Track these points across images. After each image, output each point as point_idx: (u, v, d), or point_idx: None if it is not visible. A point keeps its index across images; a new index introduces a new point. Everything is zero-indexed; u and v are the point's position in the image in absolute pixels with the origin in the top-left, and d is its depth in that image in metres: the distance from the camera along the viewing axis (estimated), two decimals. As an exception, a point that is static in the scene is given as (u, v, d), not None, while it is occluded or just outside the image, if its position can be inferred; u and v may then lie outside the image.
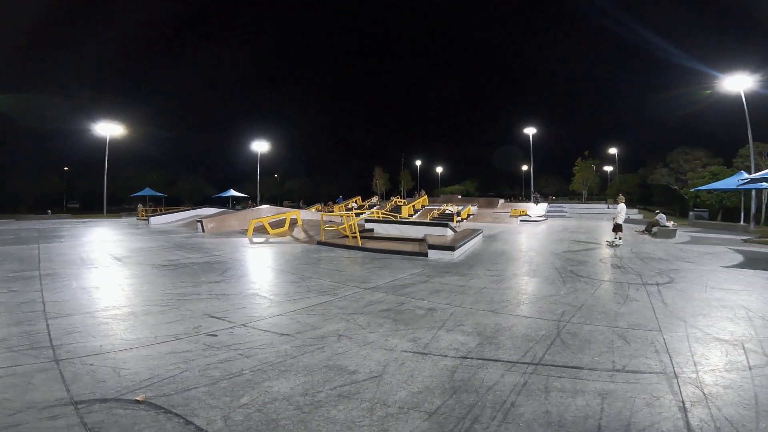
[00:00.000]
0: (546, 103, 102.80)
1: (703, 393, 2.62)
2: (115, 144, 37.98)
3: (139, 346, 3.44)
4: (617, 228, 11.80)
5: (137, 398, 2.49)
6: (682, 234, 15.44)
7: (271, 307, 4.89)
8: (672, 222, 15.92)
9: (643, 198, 47.34)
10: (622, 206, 12.18)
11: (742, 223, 19.75)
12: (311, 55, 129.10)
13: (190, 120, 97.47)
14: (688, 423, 2.26)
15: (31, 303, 4.85)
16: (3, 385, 2.66)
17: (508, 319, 4.38)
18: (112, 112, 41.17)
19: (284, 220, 16.45)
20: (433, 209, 30.69)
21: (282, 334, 3.81)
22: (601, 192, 55.45)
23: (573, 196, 60.06)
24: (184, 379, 2.79)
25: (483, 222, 24.55)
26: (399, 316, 4.49)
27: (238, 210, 27.74)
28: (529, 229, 18.65)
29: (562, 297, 5.38)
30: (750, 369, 3.01)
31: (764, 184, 13.73)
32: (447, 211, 28.90)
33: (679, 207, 40.06)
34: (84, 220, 26.83)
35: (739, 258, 9.22)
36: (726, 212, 31.70)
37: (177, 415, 2.32)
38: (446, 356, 3.27)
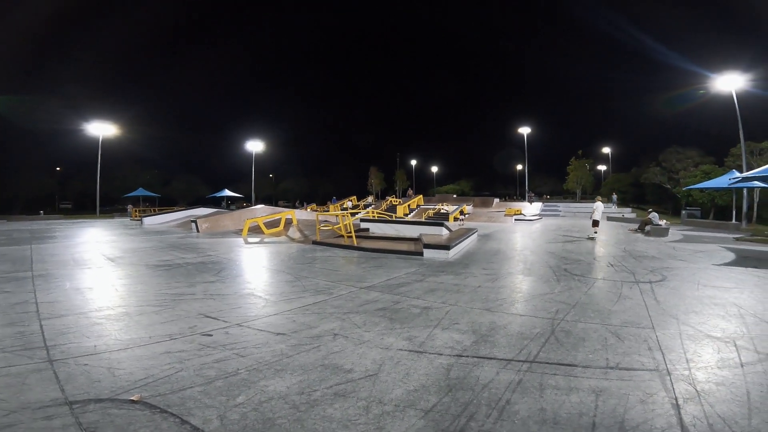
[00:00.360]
0: (540, 103, 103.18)
1: (696, 390, 2.65)
2: (108, 144, 37.76)
3: (133, 346, 3.42)
4: (595, 223, 14.08)
5: (132, 398, 2.48)
6: (675, 232, 15.58)
7: (266, 306, 4.88)
8: (665, 221, 16.11)
9: (636, 197, 47.71)
10: (598, 204, 14.62)
11: (733, 221, 19.96)
12: (307, 55, 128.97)
13: (185, 120, 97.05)
14: (681, 420, 2.28)
15: (24, 304, 4.81)
16: (-4, 386, 2.64)
17: (503, 317, 4.40)
18: (105, 111, 40.90)
19: (279, 219, 16.42)
20: (429, 209, 30.74)
21: (277, 334, 3.81)
22: (595, 191, 55.75)
23: (567, 196, 60.38)
24: (180, 379, 2.78)
25: (478, 221, 24.62)
26: (394, 315, 4.50)
27: (232, 210, 27.64)
28: (524, 228, 18.74)
29: (557, 295, 5.42)
30: (742, 366, 3.05)
31: (756, 182, 13.87)
32: (442, 211, 28.96)
33: (672, 206, 40.47)
34: (77, 220, 26.63)
35: (731, 256, 9.31)
36: (718, 211, 32.07)
37: (173, 414, 2.31)
38: (442, 354, 3.29)
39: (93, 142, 35.65)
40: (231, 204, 47.07)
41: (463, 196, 53.02)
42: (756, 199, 30.23)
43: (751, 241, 13.14)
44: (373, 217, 18.21)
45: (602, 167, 58.48)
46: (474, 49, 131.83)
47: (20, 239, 12.94)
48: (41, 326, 3.94)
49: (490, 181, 75.94)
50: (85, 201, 49.21)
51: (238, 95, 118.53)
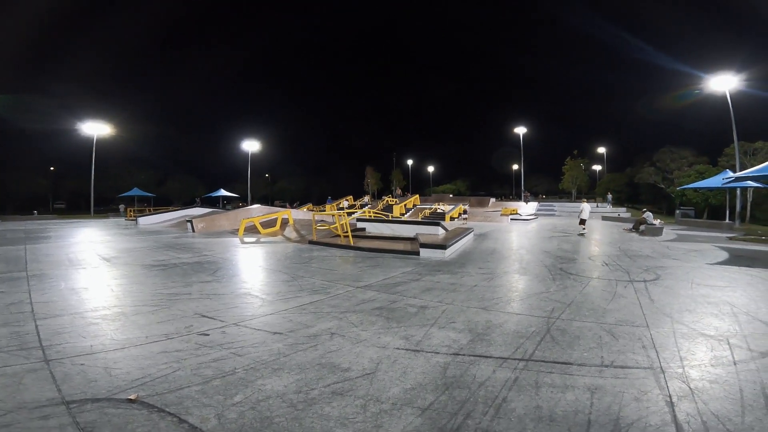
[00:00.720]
0: (536, 103, 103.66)
1: (690, 388, 2.67)
2: (103, 143, 37.53)
3: (129, 346, 3.41)
4: (582, 222, 15.82)
5: (130, 397, 2.48)
6: (669, 232, 15.68)
7: (263, 306, 4.88)
8: (659, 220, 16.19)
9: (630, 197, 48.01)
10: (584, 205, 16.57)
11: (727, 220, 20.11)
12: (304, 54, 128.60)
13: (180, 119, 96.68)
14: (675, 417, 2.30)
15: (19, 304, 4.78)
16: (-8, 386, 2.63)
17: (499, 316, 4.42)
18: (99, 111, 40.52)
19: (275, 219, 16.39)
20: (425, 208, 30.78)
21: (274, 333, 3.81)
22: (590, 191, 56.06)
23: (563, 195, 60.63)
24: (177, 378, 2.78)
25: (474, 221, 24.68)
26: (391, 314, 4.51)
27: (228, 210, 27.55)
28: (520, 228, 18.80)
29: (552, 294, 5.45)
30: (735, 364, 3.08)
31: (749, 182, 14.00)
32: (438, 210, 29.02)
33: (666, 205, 40.76)
34: (71, 220, 26.46)
35: (724, 255, 9.39)
36: (711, 210, 32.31)
37: (170, 413, 2.31)
38: (438, 353, 3.30)
39: (87, 142, 35.50)
40: (227, 204, 46.83)
41: (459, 195, 53.13)
42: (749, 199, 30.52)
43: (744, 240, 13.26)
44: (370, 216, 18.21)
45: (597, 167, 58.75)
46: (471, 49, 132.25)
47: (14, 239, 12.85)
48: (36, 326, 3.92)
49: (487, 180, 76.39)
50: (79, 201, 48.97)
51: (235, 95, 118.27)
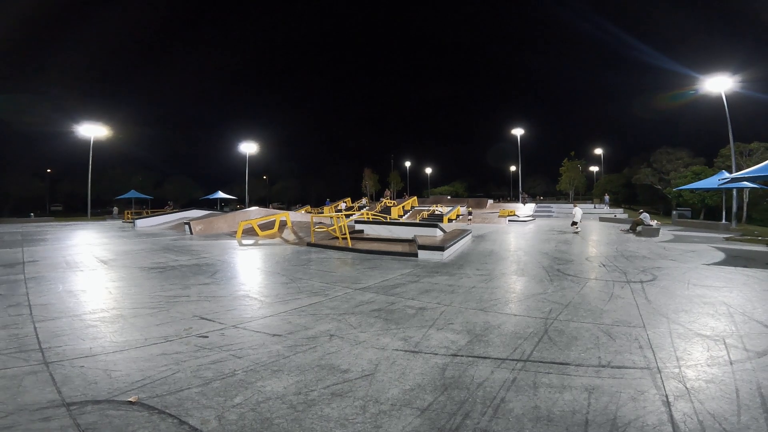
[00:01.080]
0: (533, 105, 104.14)
1: (686, 387, 2.70)
2: (100, 145, 37.35)
3: (129, 348, 3.42)
4: (574, 224, 17.25)
5: (130, 399, 2.49)
6: (666, 233, 15.75)
7: (262, 308, 4.88)
8: (655, 221, 16.30)
9: (627, 198, 48.10)
10: (576, 209, 18.03)
11: (723, 221, 20.19)
12: (301, 57, 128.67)
13: (177, 121, 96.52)
14: (671, 417, 2.33)
15: (17, 306, 4.78)
16: (-8, 388, 2.63)
17: (497, 317, 4.44)
18: (96, 113, 40.47)
19: (273, 221, 16.38)
20: (423, 210, 30.81)
21: (274, 335, 3.82)
22: (588, 192, 56.20)
23: (560, 196, 60.78)
24: (177, 380, 2.79)
25: (472, 222, 24.71)
26: (390, 315, 4.52)
27: (226, 212, 27.52)
28: (517, 229, 18.85)
29: (550, 295, 5.47)
30: (731, 364, 3.10)
31: (745, 183, 14.06)
32: (436, 212, 29.04)
33: (663, 206, 40.86)
34: (68, 223, 26.39)
35: (721, 256, 9.44)
36: (708, 211, 32.43)
37: (170, 415, 2.32)
38: (437, 354, 3.32)
39: (84, 144, 35.31)
40: (225, 206, 46.75)
41: (457, 197, 53.26)
42: (745, 200, 30.62)
43: (740, 240, 13.33)
44: (368, 218, 18.22)
45: (594, 168, 58.89)
46: (468, 51, 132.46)
47: (11, 242, 12.81)
48: (35, 329, 3.92)
49: (484, 182, 76.57)
50: (76, 203, 48.71)
51: (232, 97, 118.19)
